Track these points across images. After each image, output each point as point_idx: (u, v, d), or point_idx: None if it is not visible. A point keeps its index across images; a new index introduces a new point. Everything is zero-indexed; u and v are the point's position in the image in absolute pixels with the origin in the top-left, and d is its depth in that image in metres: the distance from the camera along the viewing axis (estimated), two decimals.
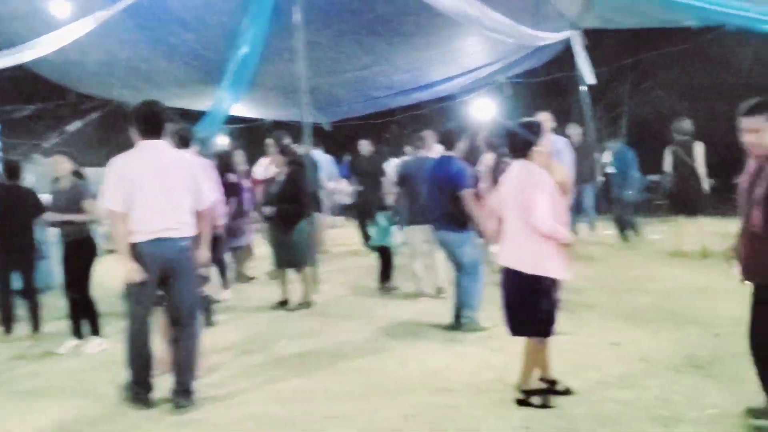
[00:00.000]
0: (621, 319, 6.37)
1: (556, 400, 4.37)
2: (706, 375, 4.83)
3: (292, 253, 7.51)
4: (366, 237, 11.24)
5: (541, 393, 4.40)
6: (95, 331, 6.18)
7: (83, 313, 6.14)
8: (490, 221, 4.65)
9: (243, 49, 7.27)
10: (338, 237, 12.63)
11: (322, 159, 11.96)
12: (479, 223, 5.93)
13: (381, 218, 8.06)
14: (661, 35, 14.61)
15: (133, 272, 4.40)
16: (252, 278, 9.18)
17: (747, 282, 3.84)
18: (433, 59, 11.01)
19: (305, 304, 7.50)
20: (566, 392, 4.46)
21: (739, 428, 3.92)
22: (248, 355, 5.81)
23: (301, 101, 8.25)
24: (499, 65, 11.91)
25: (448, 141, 6.45)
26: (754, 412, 3.94)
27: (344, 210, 14.13)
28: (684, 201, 9.49)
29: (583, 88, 11.75)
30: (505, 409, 4.34)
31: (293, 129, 11.09)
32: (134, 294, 4.50)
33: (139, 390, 4.60)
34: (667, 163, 9.62)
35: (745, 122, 3.75)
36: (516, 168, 4.44)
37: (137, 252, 4.43)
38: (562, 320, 6.15)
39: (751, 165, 3.88)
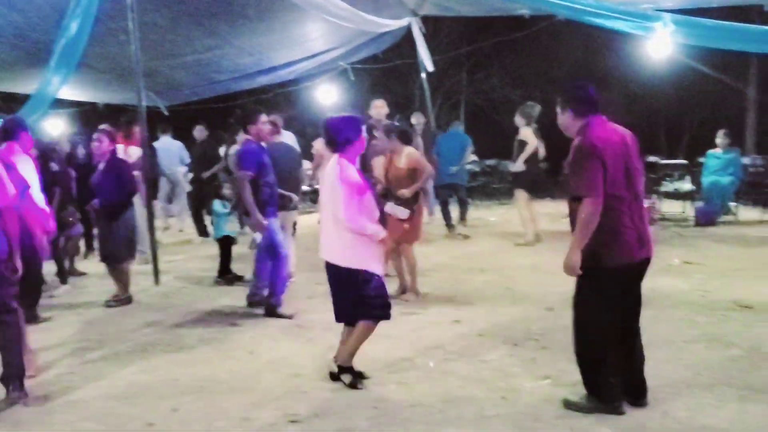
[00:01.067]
0: (462, 298, 6.69)
1: (366, 381, 4.51)
2: (541, 347, 5.16)
3: (113, 246, 6.99)
4: (201, 226, 11.00)
5: (354, 374, 4.52)
6: None
7: None
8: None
9: (71, 30, 6.86)
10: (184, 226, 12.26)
11: (172, 145, 11.58)
12: (249, 208, 6.10)
13: (218, 207, 7.72)
14: (497, 24, 15.34)
15: None
16: (83, 273, 8.60)
17: None
18: (276, 43, 10.91)
19: (126, 300, 7.04)
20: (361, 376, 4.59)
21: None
22: (85, 351, 5.50)
23: (137, 85, 7.87)
24: (341, 50, 12.00)
25: (243, 123, 6.50)
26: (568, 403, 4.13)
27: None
28: (531, 183, 9.88)
29: (422, 76, 12.07)
30: (355, 391, 4.43)
31: (131, 113, 10.67)
32: None
33: None
34: (517, 146, 9.77)
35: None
36: (331, 163, 4.47)
37: None
38: (407, 302, 6.52)
39: None
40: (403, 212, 6.52)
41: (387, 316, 4.51)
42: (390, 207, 6.36)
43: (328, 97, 13.49)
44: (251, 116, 6.35)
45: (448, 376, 4.60)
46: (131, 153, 8.65)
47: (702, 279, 7.25)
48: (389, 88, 18.80)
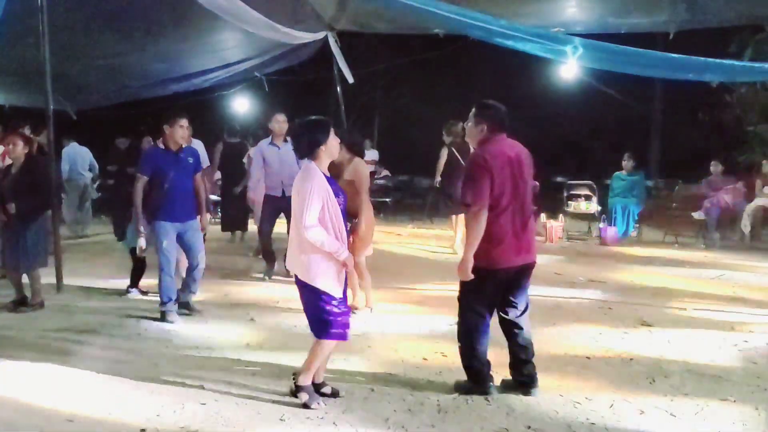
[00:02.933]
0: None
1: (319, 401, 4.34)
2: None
3: (23, 254, 6.76)
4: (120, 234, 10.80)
5: (309, 392, 4.35)
6: None
7: None
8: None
9: None
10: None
11: (80, 150, 11.45)
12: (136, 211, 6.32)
13: None
14: (413, 43, 15.68)
15: None
16: None
17: None
18: (191, 50, 10.85)
19: (38, 306, 6.86)
20: (334, 395, 4.48)
21: None
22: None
23: (45, 87, 7.74)
24: (257, 61, 12.01)
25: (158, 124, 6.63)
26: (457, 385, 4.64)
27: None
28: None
29: (338, 89, 12.21)
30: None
31: (33, 116, 10.40)
32: None
33: None
34: (441, 163, 10.27)
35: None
36: (301, 169, 4.33)
37: None
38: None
39: None
40: None
41: (344, 337, 4.35)
42: None
43: (241, 107, 13.48)
44: (170, 118, 6.36)
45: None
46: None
47: (604, 296, 7.57)
48: (304, 102, 18.86)
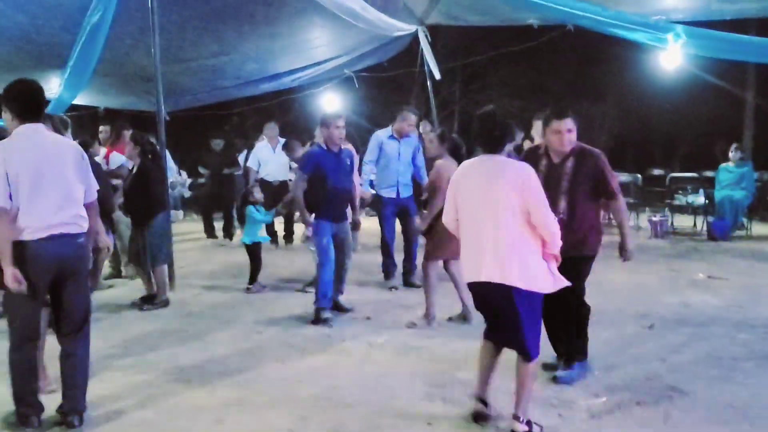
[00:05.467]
0: None
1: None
2: None
3: (146, 251, 6.94)
4: (210, 231, 11.27)
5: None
6: None
7: None
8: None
9: (86, 33, 6.76)
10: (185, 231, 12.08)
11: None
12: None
13: (253, 212, 7.55)
14: (493, 36, 15.32)
15: (16, 277, 3.77)
16: None
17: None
18: (281, 50, 10.81)
19: (162, 302, 6.98)
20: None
21: None
22: (117, 359, 5.30)
23: (157, 89, 7.83)
24: (346, 59, 11.92)
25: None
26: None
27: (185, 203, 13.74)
28: None
29: (429, 84, 12.05)
30: (406, 401, 4.32)
31: (129, 118, 10.61)
32: (19, 302, 3.91)
33: (27, 411, 3.98)
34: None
35: (561, 124, 4.40)
36: (509, 163, 3.93)
37: (26, 252, 3.83)
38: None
39: (543, 163, 4.57)
40: (422, 226, 6.26)
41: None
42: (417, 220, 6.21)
43: (330, 104, 13.39)
44: (325, 119, 6.45)
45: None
46: (113, 160, 8.60)
47: (731, 294, 7.15)
48: (387, 98, 18.82)
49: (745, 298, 7.00)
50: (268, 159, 10.42)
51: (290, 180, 9.91)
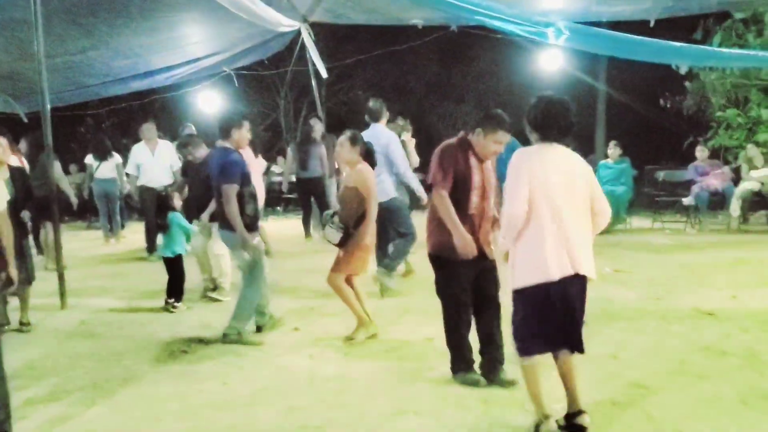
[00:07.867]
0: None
1: None
2: None
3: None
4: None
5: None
6: None
7: None
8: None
9: None
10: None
11: None
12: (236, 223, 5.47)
13: (180, 220, 6.76)
14: (360, 36, 15.25)
15: None
16: None
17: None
18: (156, 45, 10.15)
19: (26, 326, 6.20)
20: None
21: None
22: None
23: (41, 86, 7.48)
24: (224, 56, 11.37)
25: (223, 130, 5.77)
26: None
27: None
28: None
29: (313, 83, 11.77)
30: (378, 417, 3.98)
31: None
32: None
33: None
34: None
35: (505, 136, 4.47)
36: (567, 153, 3.80)
37: None
38: None
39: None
40: (335, 237, 5.59)
41: None
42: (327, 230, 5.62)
43: (208, 103, 12.75)
44: (235, 122, 5.86)
45: None
46: None
47: (644, 287, 7.24)
48: (252, 98, 18.36)
49: (657, 290, 7.14)
50: (148, 163, 9.60)
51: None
